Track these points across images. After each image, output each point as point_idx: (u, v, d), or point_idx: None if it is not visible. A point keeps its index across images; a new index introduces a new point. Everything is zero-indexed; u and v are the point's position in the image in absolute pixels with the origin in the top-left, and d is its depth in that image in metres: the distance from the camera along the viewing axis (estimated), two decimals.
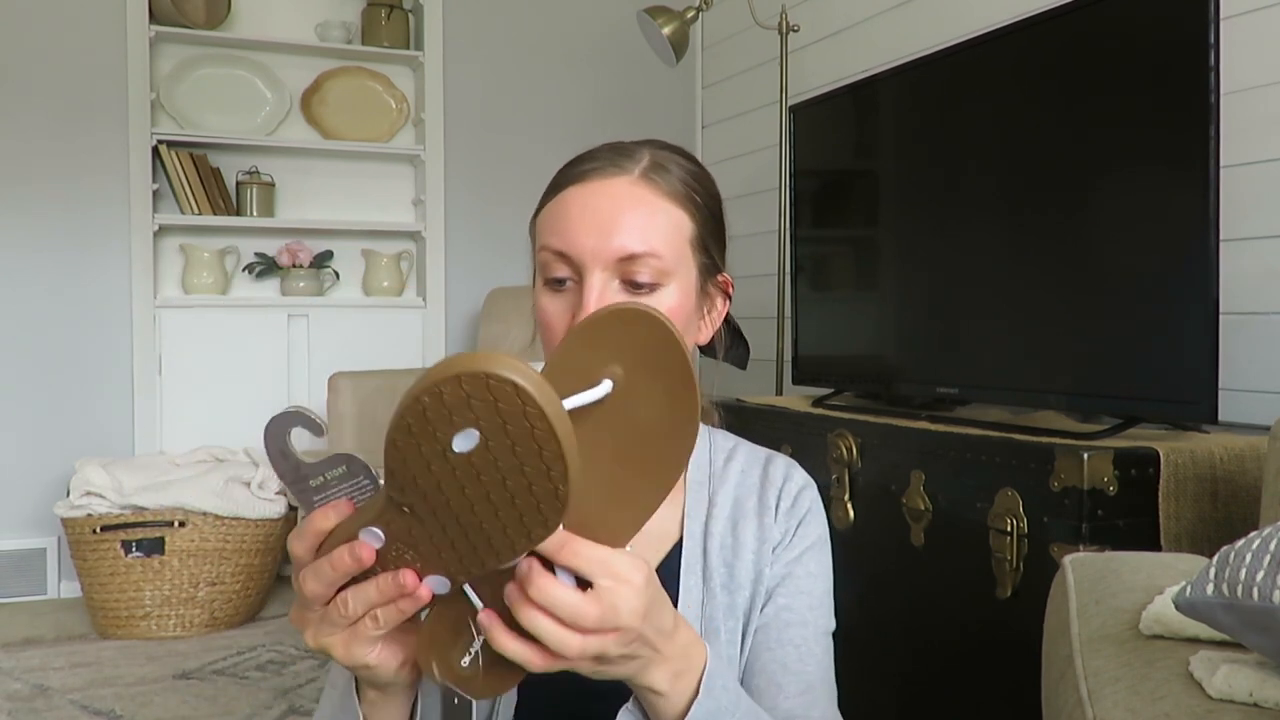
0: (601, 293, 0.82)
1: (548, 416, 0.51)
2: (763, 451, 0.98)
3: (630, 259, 0.82)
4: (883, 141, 2.15)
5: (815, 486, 0.96)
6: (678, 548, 0.90)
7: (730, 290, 0.93)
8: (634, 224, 0.83)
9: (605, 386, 0.60)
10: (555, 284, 0.84)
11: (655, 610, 0.66)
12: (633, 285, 0.83)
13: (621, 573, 0.63)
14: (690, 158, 0.90)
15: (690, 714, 0.71)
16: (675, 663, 0.70)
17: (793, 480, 0.95)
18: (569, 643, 0.61)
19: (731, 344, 1.00)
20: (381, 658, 0.65)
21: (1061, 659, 0.97)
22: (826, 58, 3.12)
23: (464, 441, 0.53)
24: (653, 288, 0.83)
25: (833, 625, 0.93)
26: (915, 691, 1.72)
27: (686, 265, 0.86)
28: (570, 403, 0.59)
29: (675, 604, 0.86)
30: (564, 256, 0.83)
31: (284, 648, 2.75)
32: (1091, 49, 1.56)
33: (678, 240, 0.85)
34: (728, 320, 0.97)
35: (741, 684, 0.88)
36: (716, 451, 0.97)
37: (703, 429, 0.98)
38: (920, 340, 1.98)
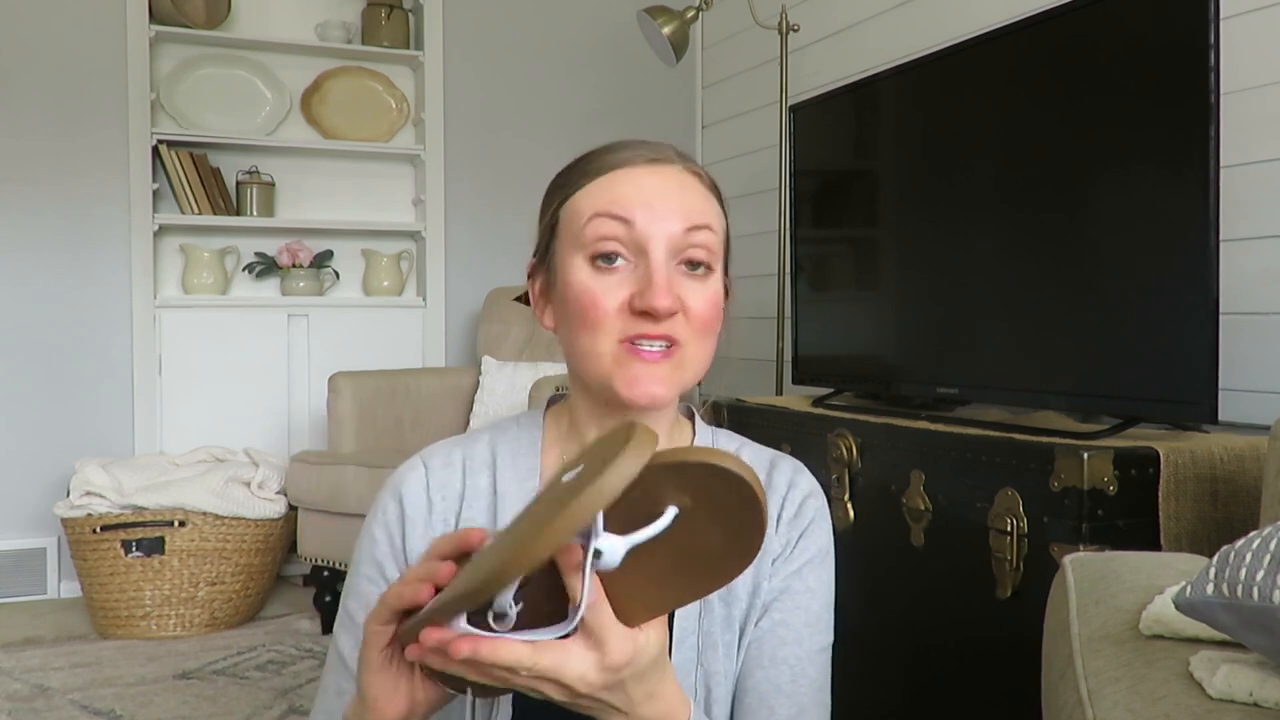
0: (669, 273, 0.82)
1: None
2: (768, 454, 0.96)
3: (692, 231, 0.83)
4: (883, 141, 2.15)
5: (822, 494, 0.94)
6: None
7: (730, 292, 0.92)
8: (693, 202, 0.85)
9: (669, 515, 0.60)
10: (604, 261, 0.82)
11: (631, 685, 0.66)
12: (690, 265, 0.83)
13: (601, 637, 0.63)
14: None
15: None
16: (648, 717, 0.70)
17: (797, 488, 0.92)
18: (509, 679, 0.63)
19: None
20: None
21: (1061, 659, 0.97)
22: (826, 58, 3.12)
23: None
24: (707, 269, 0.85)
25: (830, 640, 0.91)
26: (915, 691, 1.72)
27: (721, 256, 0.88)
28: (635, 537, 0.60)
29: (671, 618, 0.86)
30: (625, 225, 0.82)
31: (284, 648, 2.75)
32: (1091, 49, 1.56)
33: (719, 228, 0.88)
34: None
35: (733, 700, 0.87)
36: None
37: (707, 429, 0.97)
38: (920, 340, 1.98)
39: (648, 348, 0.81)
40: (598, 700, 0.66)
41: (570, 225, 0.85)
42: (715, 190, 0.90)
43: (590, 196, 0.84)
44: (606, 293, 0.82)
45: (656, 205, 0.82)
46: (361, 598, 0.87)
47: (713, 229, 0.85)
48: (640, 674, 0.66)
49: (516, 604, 0.62)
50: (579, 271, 0.83)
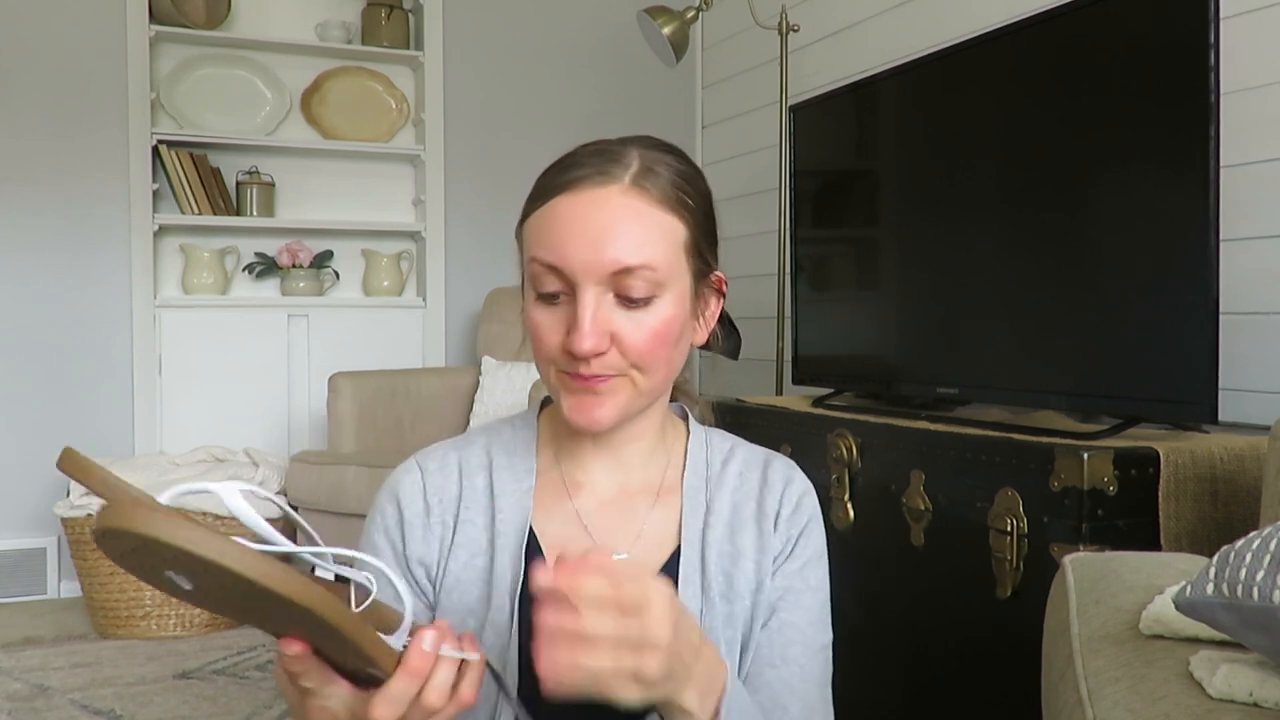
0: (596, 308, 0.80)
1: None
2: (761, 452, 0.96)
3: (624, 272, 0.80)
4: (883, 141, 2.15)
5: (814, 492, 0.95)
6: (675, 556, 0.89)
7: (724, 288, 0.92)
8: (627, 236, 0.80)
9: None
10: (548, 298, 0.83)
11: (683, 625, 0.67)
12: (627, 300, 0.81)
13: (651, 595, 0.64)
14: (679, 155, 0.88)
15: None
16: (702, 681, 0.70)
17: (794, 485, 0.93)
18: (618, 663, 0.63)
19: (724, 335, 0.98)
20: None
21: (1061, 659, 0.97)
22: (826, 58, 3.12)
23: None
24: (647, 301, 0.82)
25: (830, 638, 0.92)
26: (915, 691, 1.72)
27: (680, 273, 0.84)
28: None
29: None
30: (555, 270, 0.81)
31: None
32: (1091, 49, 1.56)
33: (671, 249, 0.83)
34: (721, 313, 0.96)
35: None
36: (714, 453, 0.95)
37: (700, 429, 0.98)
38: (920, 340, 1.98)
39: (583, 379, 0.82)
40: (678, 657, 0.66)
41: (523, 256, 0.86)
42: (675, 197, 0.84)
43: (532, 230, 0.84)
44: (549, 329, 0.83)
45: (587, 244, 0.80)
46: None
47: (650, 265, 0.80)
48: (685, 614, 0.68)
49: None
50: (529, 303, 0.85)
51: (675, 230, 0.84)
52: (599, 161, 0.83)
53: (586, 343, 0.79)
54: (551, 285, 0.82)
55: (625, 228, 0.81)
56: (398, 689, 0.64)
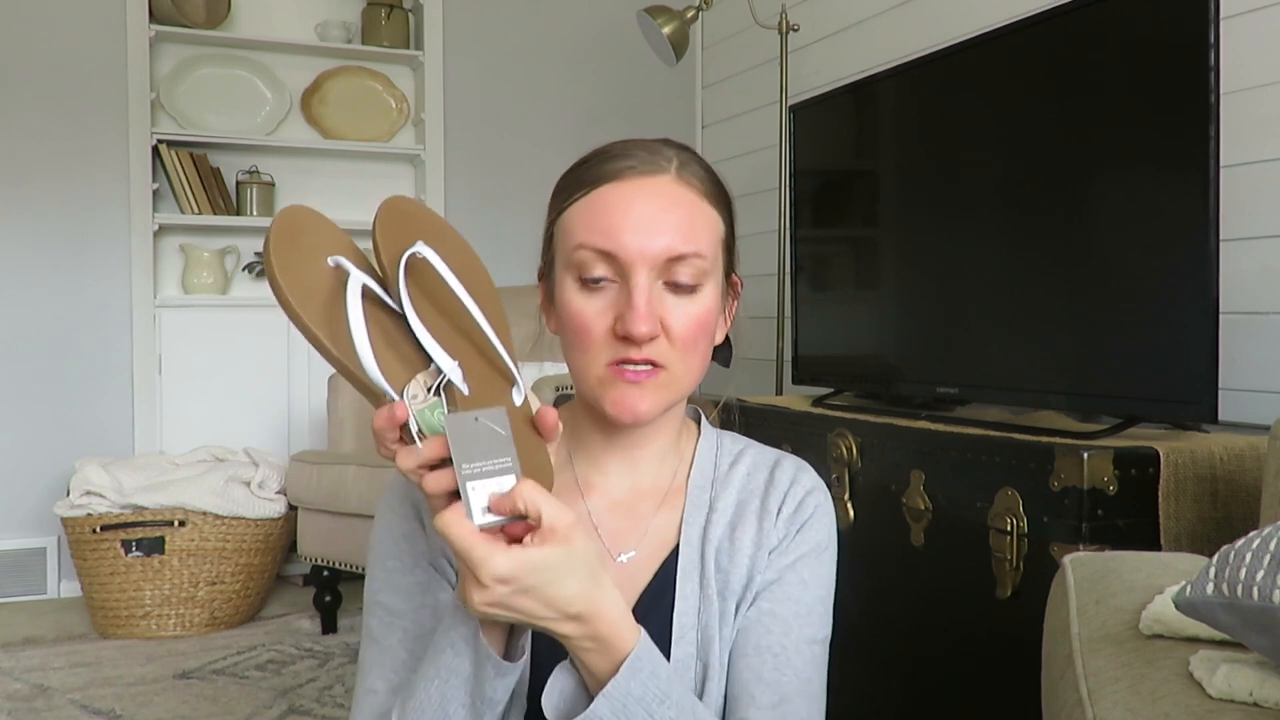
0: (649, 293, 0.81)
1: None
2: (772, 453, 0.96)
3: (678, 260, 0.82)
4: (883, 141, 2.15)
5: (825, 491, 0.95)
6: (675, 553, 0.90)
7: (739, 290, 0.93)
8: (680, 224, 0.83)
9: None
10: (591, 283, 0.83)
11: (547, 586, 0.68)
12: (675, 286, 0.83)
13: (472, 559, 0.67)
14: (703, 159, 0.90)
15: (607, 689, 0.72)
16: (592, 626, 0.71)
17: (800, 483, 0.93)
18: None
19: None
20: None
21: (1061, 659, 0.97)
22: (826, 58, 3.12)
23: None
24: (694, 289, 0.83)
25: (825, 634, 0.91)
26: (915, 691, 1.72)
27: (719, 266, 0.87)
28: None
29: (672, 610, 0.86)
30: (607, 256, 0.82)
31: (284, 647, 2.75)
32: (1091, 49, 1.56)
33: (714, 240, 0.86)
34: None
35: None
36: (723, 455, 0.95)
37: (712, 432, 0.98)
38: (920, 340, 1.98)
39: (632, 370, 0.83)
40: (523, 600, 0.68)
41: (562, 244, 0.86)
42: (715, 191, 0.88)
43: (578, 218, 0.85)
44: (595, 317, 0.83)
45: (641, 230, 0.81)
46: (399, 590, 0.87)
47: (701, 253, 0.83)
48: (557, 578, 0.68)
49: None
50: (570, 292, 0.84)
51: (716, 223, 0.87)
52: (644, 154, 0.86)
53: (644, 325, 0.80)
54: (599, 270, 0.82)
55: (678, 215, 0.83)
56: (429, 451, 0.69)
